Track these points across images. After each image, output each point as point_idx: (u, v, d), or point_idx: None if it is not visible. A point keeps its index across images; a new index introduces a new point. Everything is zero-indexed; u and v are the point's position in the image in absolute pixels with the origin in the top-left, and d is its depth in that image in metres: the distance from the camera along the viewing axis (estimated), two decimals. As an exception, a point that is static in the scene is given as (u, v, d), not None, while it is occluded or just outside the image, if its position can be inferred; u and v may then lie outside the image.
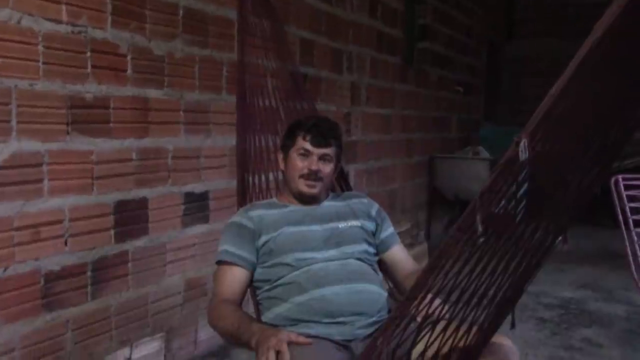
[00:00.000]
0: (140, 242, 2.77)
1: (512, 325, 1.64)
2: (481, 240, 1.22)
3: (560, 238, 1.64)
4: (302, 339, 1.67)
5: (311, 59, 4.06)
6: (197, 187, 3.09)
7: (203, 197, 3.14)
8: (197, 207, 3.10)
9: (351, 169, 4.68)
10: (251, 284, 2.02)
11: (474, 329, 1.44)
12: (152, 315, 2.87)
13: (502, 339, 1.75)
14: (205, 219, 3.16)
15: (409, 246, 5.25)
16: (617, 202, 3.28)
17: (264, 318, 1.97)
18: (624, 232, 3.26)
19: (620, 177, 3.34)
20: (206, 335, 3.20)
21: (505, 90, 8.93)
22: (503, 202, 1.24)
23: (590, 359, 3.36)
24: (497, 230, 1.26)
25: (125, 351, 2.73)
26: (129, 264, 2.73)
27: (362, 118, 4.83)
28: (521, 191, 1.25)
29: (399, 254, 2.19)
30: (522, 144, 1.10)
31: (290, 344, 1.62)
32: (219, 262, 2.01)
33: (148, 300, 2.84)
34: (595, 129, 1.38)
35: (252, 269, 2.00)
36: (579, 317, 4.06)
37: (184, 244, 3.03)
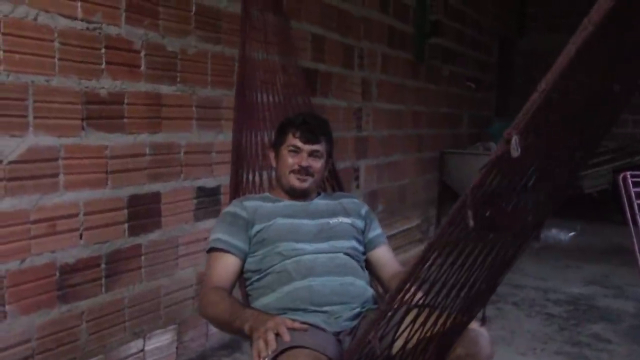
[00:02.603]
0: (153, 236, 2.82)
1: (483, 322, 1.70)
2: (470, 234, 1.25)
3: (535, 234, 1.68)
4: (297, 325, 1.70)
5: (322, 55, 4.09)
6: (208, 182, 3.13)
7: (215, 191, 3.18)
8: (208, 201, 3.14)
9: (362, 164, 4.71)
10: (241, 274, 2.05)
11: (451, 318, 1.49)
12: (165, 307, 2.92)
13: (476, 327, 1.76)
14: (216, 213, 3.19)
15: (418, 241, 5.28)
16: (624, 198, 3.29)
17: None
18: (632, 228, 3.27)
19: (628, 173, 3.34)
20: (217, 328, 3.24)
21: (517, 86, 8.90)
22: (493, 196, 1.26)
23: (598, 355, 3.37)
24: (485, 225, 1.28)
25: (138, 342, 2.78)
26: (142, 257, 2.77)
27: (373, 113, 4.85)
28: (504, 187, 1.27)
29: (385, 255, 2.22)
30: (513, 140, 1.10)
31: (287, 328, 1.65)
32: (211, 250, 2.04)
33: (160, 292, 2.89)
34: (581, 120, 1.41)
35: (244, 258, 2.04)
36: (588, 313, 4.07)
37: (196, 237, 3.07)
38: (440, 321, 1.47)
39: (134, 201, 2.70)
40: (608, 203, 6.93)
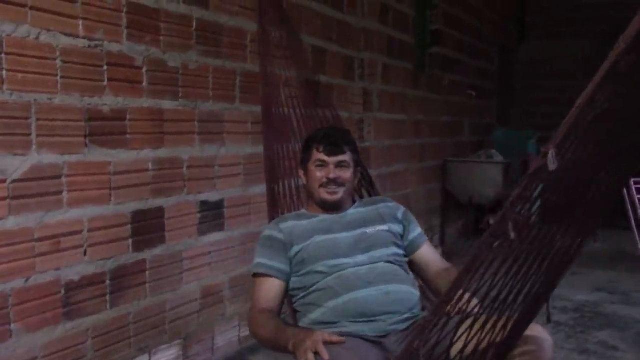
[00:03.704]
0: (157, 251, 2.82)
1: (548, 320, 1.73)
2: (514, 244, 1.30)
3: (590, 237, 1.75)
4: (335, 338, 1.76)
5: (323, 67, 4.10)
6: (212, 196, 3.14)
7: (218, 205, 3.18)
8: (212, 215, 3.14)
9: (364, 175, 4.70)
10: (287, 293, 2.11)
11: (510, 323, 1.51)
12: (170, 322, 2.91)
13: (536, 330, 1.80)
14: (220, 227, 3.20)
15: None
16: (629, 205, 3.29)
17: (301, 324, 2.06)
18: (636, 234, 3.26)
19: (632, 180, 3.35)
20: (223, 342, 3.24)
21: (518, 94, 8.91)
22: (533, 208, 1.30)
23: (605, 362, 3.36)
24: (528, 235, 1.33)
25: (144, 358, 2.77)
26: (147, 273, 2.77)
27: (375, 124, 4.86)
28: (550, 198, 1.32)
29: (428, 254, 2.26)
30: (550, 154, 1.15)
31: (324, 343, 1.71)
32: (255, 275, 2.11)
33: (166, 307, 2.88)
34: (620, 135, 1.43)
35: (287, 279, 2.09)
36: (594, 320, 4.06)
37: (200, 252, 3.08)
38: (499, 326, 1.50)
39: (138, 217, 2.71)
40: (614, 209, 6.92)
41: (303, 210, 2.31)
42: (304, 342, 1.72)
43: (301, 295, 2.07)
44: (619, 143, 1.47)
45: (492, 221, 6.62)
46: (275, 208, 2.47)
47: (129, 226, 2.67)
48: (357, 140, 4.49)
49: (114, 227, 2.60)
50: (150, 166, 2.76)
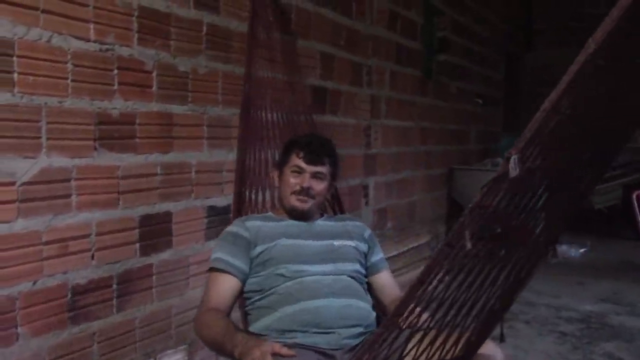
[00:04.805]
0: (164, 256, 2.81)
1: (501, 339, 1.68)
2: (470, 254, 1.24)
3: (550, 250, 1.68)
4: (284, 350, 1.65)
5: (331, 73, 4.10)
6: (219, 201, 3.13)
7: (226, 210, 3.17)
8: (219, 220, 3.13)
9: (371, 182, 4.70)
10: (241, 294, 2.04)
11: (462, 339, 1.44)
12: (176, 327, 2.90)
13: (489, 349, 1.74)
14: (227, 232, 3.19)
15: (428, 258, 5.25)
16: (638, 217, 3.27)
17: (251, 328, 1.99)
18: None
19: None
20: (228, 348, 3.22)
21: (524, 102, 8.90)
22: (493, 217, 1.25)
23: (612, 374, 3.34)
24: (485, 245, 1.27)
25: (149, 363, 2.76)
26: (153, 277, 2.76)
27: (382, 131, 4.86)
28: (511, 206, 1.26)
29: (386, 279, 2.22)
30: (512, 160, 1.10)
31: (273, 355, 1.61)
32: (211, 269, 2.04)
33: (172, 312, 2.87)
34: (587, 140, 1.40)
35: (244, 279, 2.03)
36: (600, 331, 4.04)
37: (207, 257, 3.03)
38: (450, 342, 1.44)
39: (146, 221, 2.70)
40: (618, 219, 6.90)
41: (270, 213, 2.26)
42: (252, 351, 1.61)
43: (256, 297, 2.01)
44: (582, 150, 1.43)
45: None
46: (240, 213, 2.42)
47: (137, 230, 2.66)
48: (363, 147, 4.53)
49: (122, 231, 2.59)
50: (158, 170, 2.75)
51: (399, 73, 5.12)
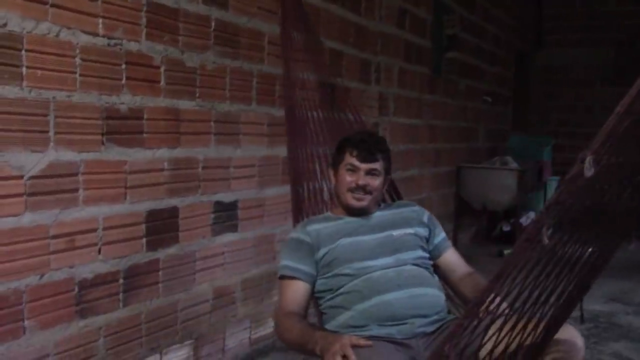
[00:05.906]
0: (170, 251, 2.81)
1: (582, 320, 1.73)
2: (547, 248, 1.30)
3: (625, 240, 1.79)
4: (362, 342, 1.76)
5: (340, 70, 4.09)
6: (226, 197, 3.13)
7: (232, 206, 3.17)
8: (226, 216, 3.13)
9: (378, 179, 4.69)
10: (313, 295, 2.11)
11: (541, 325, 1.51)
12: (182, 322, 2.91)
13: (568, 333, 1.79)
14: (234, 228, 3.19)
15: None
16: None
17: (328, 326, 2.06)
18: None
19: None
20: (234, 343, 3.23)
21: (533, 100, 8.86)
22: (569, 212, 1.31)
23: (620, 374, 3.32)
24: (561, 239, 1.34)
25: (155, 358, 2.77)
26: (160, 272, 2.77)
27: (390, 128, 4.84)
28: (584, 203, 1.32)
29: (452, 258, 2.28)
30: (588, 160, 1.16)
31: (352, 347, 1.71)
32: (281, 277, 2.11)
33: (177, 307, 2.88)
34: None
35: (313, 282, 2.10)
36: (609, 331, 4.01)
37: (213, 252, 3.07)
38: (530, 327, 1.50)
39: (152, 216, 2.70)
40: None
41: (328, 213, 2.33)
42: (332, 345, 1.72)
43: (328, 297, 2.08)
44: None
45: (505, 228, 6.57)
46: (300, 210, 2.49)
47: (143, 225, 2.67)
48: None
49: (129, 226, 2.60)
50: (165, 166, 2.76)
51: (408, 70, 5.10)
